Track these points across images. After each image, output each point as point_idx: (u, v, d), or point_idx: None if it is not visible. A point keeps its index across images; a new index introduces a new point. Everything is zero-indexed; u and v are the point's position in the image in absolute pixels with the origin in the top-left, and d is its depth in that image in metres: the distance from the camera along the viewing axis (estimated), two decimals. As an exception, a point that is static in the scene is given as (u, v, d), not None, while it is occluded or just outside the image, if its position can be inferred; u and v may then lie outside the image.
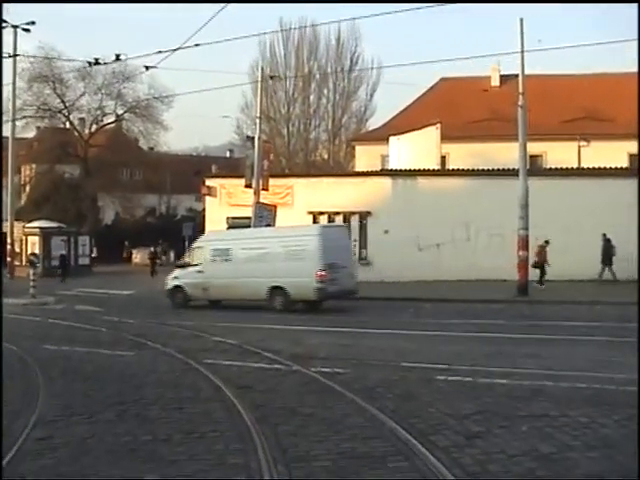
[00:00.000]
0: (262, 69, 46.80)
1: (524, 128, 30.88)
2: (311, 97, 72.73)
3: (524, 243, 30.87)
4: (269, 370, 15.36)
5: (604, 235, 34.84)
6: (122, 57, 31.73)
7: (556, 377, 13.46)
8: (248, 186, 37.33)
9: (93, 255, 52.91)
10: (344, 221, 41.65)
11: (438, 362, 15.49)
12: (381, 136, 50.32)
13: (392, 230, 39.68)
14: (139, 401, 12.57)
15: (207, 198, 45.65)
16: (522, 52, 30.57)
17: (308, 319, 25.72)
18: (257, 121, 36.87)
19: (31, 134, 70.94)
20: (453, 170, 40.92)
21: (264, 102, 72.23)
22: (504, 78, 55.74)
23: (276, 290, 27.80)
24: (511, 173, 33.35)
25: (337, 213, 41.78)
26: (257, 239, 29.58)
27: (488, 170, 39.76)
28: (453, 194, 39.19)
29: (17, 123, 61.82)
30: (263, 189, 37.76)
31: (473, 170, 40.37)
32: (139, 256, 63.65)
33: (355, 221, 41.59)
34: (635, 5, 27.18)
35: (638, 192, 35.31)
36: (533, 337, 19.80)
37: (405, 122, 48.98)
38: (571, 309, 26.58)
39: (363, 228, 41.63)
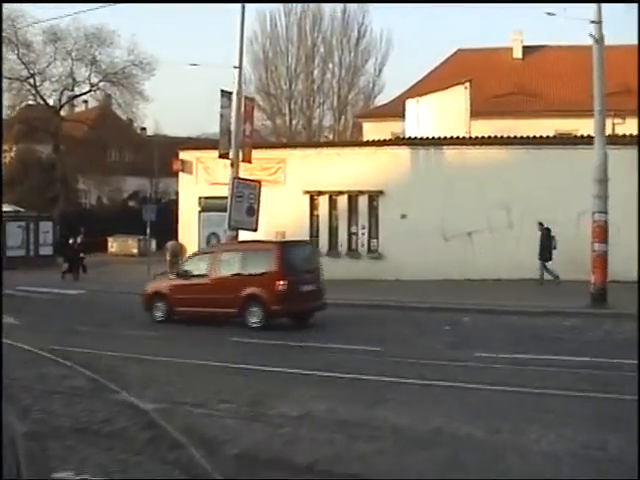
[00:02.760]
0: None
1: (601, 71, 22.11)
2: (315, 72, 68.22)
3: (601, 231, 22.21)
4: None
5: (540, 224, 28.56)
6: None
7: None
8: (224, 156, 28.70)
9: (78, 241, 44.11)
10: (349, 202, 33.09)
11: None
12: (391, 112, 44.88)
13: (411, 214, 32.02)
14: None
15: (181, 175, 37.06)
16: None
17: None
18: (239, 57, 27.72)
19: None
20: (490, 138, 32.05)
21: (262, 76, 67.38)
22: (527, 50, 53.30)
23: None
24: (570, 141, 25.06)
25: (340, 193, 33.69)
26: None
27: (537, 137, 31.17)
28: (490, 168, 30.67)
29: None
30: (245, 161, 29.11)
31: (516, 137, 31.63)
32: (115, 245, 57.27)
33: (363, 203, 33.31)
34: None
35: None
36: None
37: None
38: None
39: (373, 212, 33.57)
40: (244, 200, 27.98)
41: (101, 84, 61.25)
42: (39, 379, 13.75)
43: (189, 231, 35.72)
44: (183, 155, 37.16)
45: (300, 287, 20.53)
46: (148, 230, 31.31)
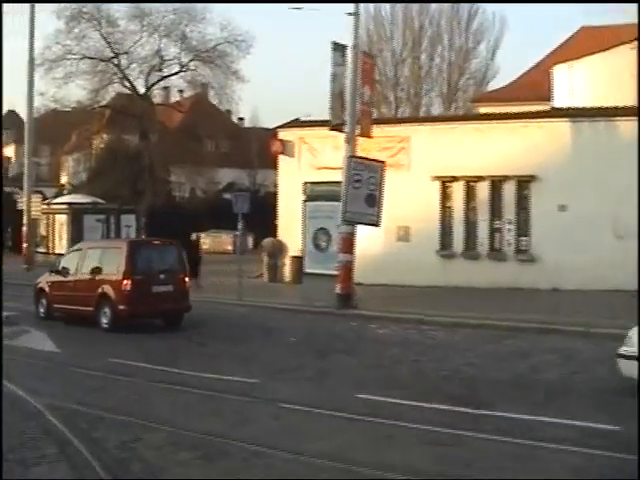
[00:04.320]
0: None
1: None
2: (422, 57, 63.82)
3: None
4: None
5: None
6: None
7: None
8: (336, 128, 22.26)
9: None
10: (492, 190, 26.36)
11: None
12: (510, 96, 38.18)
13: (572, 205, 25.42)
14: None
15: (281, 159, 30.68)
16: None
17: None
18: (354, 4, 21.13)
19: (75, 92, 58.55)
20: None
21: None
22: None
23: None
24: None
25: (480, 178, 27.02)
26: None
27: None
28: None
29: (56, 75, 51.43)
30: (363, 135, 22.65)
31: None
32: (208, 241, 52.34)
33: (510, 191, 26.37)
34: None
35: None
36: None
37: (538, 79, 36.87)
38: None
39: (523, 202, 26.82)
40: (363, 186, 21.74)
41: (192, 64, 55.66)
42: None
43: (291, 226, 29.62)
44: (283, 134, 30.85)
45: (152, 288, 19.63)
46: (240, 224, 25.08)
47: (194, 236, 32.07)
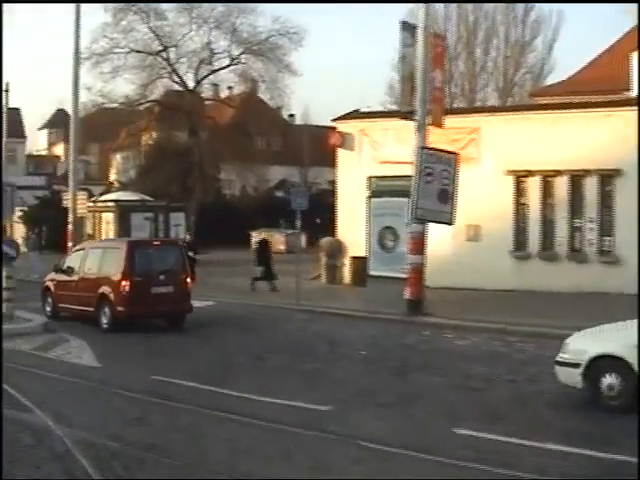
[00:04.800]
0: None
1: None
2: (477, 52, 62.01)
3: None
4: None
5: None
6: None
7: None
8: (407, 117, 20.19)
9: (186, 239, 36.91)
10: (571, 186, 24.20)
11: None
12: (570, 90, 35.15)
13: None
14: None
15: (340, 153, 28.62)
16: None
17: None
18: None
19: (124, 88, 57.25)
20: None
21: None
22: None
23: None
24: None
25: (558, 173, 24.78)
26: None
27: None
28: None
29: (103, 70, 50.33)
30: (435, 124, 20.58)
31: None
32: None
33: (592, 186, 24.28)
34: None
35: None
36: None
37: (599, 74, 34.99)
38: None
39: (607, 199, 24.52)
40: (435, 180, 19.69)
41: (242, 57, 54.03)
42: None
43: (351, 224, 27.45)
44: (342, 126, 28.75)
45: (151, 289, 19.37)
46: (299, 222, 23.15)
47: (263, 235, 29.76)
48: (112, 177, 68.40)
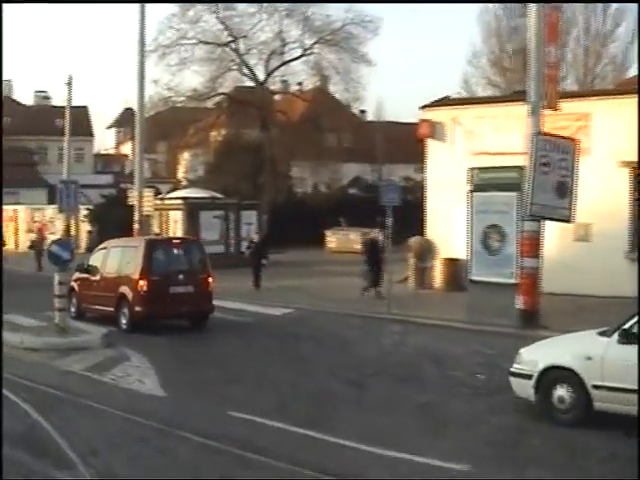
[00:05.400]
0: None
1: None
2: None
3: None
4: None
5: None
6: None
7: None
8: (516, 99, 17.50)
9: (254, 239, 34.74)
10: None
11: None
12: None
13: None
14: None
15: (429, 144, 25.89)
16: None
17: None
18: None
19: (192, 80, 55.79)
20: None
21: (495, 50, 57.87)
22: None
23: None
24: None
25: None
26: None
27: None
28: None
29: (170, 62, 49.38)
30: (550, 107, 17.85)
31: None
32: (335, 240, 47.95)
33: None
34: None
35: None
36: None
37: None
38: None
39: None
40: (552, 171, 16.97)
41: (315, 47, 52.01)
42: None
43: (444, 222, 24.67)
44: (431, 115, 26.01)
45: (169, 289, 19.28)
46: (390, 219, 20.50)
47: (372, 233, 26.68)
48: (180, 175, 67.21)
